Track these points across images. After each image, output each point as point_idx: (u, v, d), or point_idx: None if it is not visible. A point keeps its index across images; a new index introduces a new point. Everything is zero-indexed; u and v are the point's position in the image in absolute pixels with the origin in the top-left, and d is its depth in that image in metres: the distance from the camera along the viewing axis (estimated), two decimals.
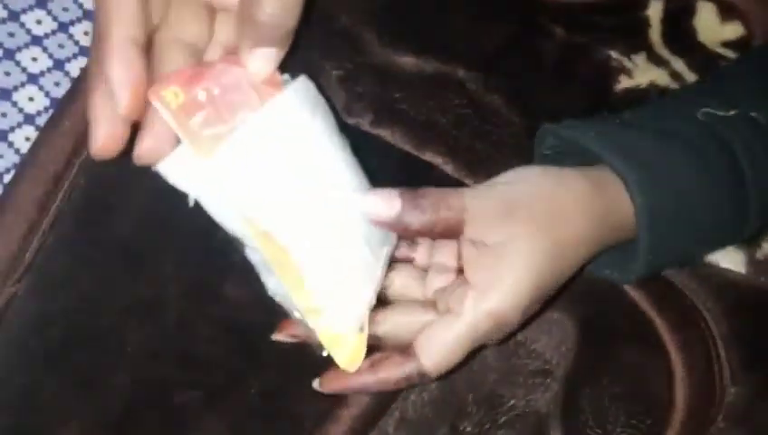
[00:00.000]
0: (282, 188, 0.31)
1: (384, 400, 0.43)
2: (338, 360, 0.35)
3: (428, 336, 0.34)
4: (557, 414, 0.43)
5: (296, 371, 0.40)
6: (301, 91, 0.31)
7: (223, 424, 0.41)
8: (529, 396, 0.43)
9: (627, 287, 0.43)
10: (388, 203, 0.33)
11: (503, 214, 0.34)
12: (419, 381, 0.35)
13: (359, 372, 0.35)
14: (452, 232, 0.34)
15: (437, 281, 0.37)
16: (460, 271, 0.36)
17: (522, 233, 0.33)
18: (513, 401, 0.43)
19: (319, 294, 0.33)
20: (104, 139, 0.29)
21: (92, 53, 0.29)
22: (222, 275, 0.42)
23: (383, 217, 0.33)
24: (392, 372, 0.35)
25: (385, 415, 0.43)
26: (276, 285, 0.34)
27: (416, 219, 0.33)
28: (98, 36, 0.29)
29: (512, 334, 0.37)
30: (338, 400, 0.42)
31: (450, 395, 0.43)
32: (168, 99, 0.29)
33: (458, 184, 0.45)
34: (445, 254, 0.38)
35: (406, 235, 0.36)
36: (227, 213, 0.31)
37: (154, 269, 0.42)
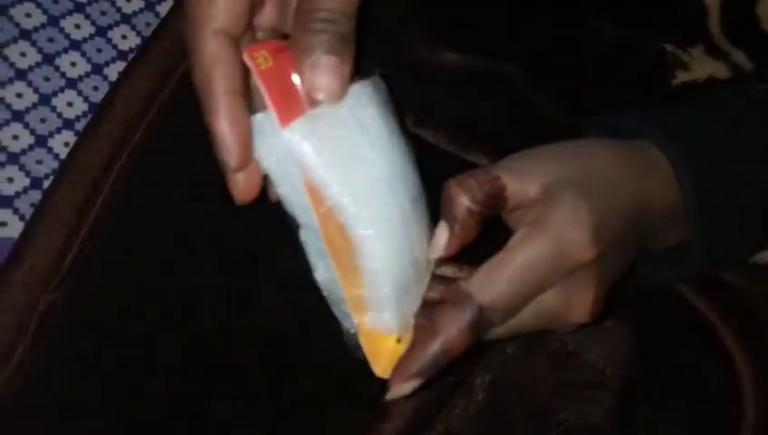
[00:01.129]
0: (349, 172, 0.31)
1: (428, 412, 0.41)
2: (373, 362, 0.33)
3: (478, 275, 0.31)
4: (611, 428, 0.41)
5: (332, 382, 0.40)
6: (375, 86, 0.32)
7: (257, 434, 0.40)
8: (581, 409, 0.42)
9: (686, 292, 0.41)
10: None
11: (541, 161, 0.32)
12: (483, 321, 0.30)
13: (417, 344, 0.31)
14: (496, 199, 0.32)
15: None
16: None
17: (565, 176, 0.32)
18: (563, 415, 0.42)
19: (371, 286, 0.32)
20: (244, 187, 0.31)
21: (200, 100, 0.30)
22: (257, 284, 0.42)
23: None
24: (447, 321, 0.30)
25: (429, 428, 0.42)
26: (325, 271, 0.33)
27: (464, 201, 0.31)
28: (200, 87, 0.30)
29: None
30: (379, 412, 0.40)
31: (498, 408, 0.42)
32: (259, 60, 0.30)
33: None
34: None
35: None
36: (293, 184, 0.31)
37: (189, 277, 0.42)
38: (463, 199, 0.31)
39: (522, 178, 0.32)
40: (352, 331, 0.33)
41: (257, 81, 0.30)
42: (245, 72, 0.31)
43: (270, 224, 0.43)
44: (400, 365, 0.31)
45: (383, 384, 0.42)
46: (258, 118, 0.31)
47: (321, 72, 0.29)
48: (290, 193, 0.31)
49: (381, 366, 0.33)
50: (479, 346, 0.41)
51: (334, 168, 0.31)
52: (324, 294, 0.34)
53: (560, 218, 0.30)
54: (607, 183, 0.32)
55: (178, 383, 0.40)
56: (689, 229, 0.35)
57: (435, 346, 0.30)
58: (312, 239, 0.32)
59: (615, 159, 0.33)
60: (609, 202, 0.32)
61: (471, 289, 0.31)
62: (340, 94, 0.30)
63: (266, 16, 0.33)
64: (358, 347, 0.33)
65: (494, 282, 0.30)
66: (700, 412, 0.40)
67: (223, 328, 0.41)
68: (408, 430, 0.41)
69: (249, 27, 0.31)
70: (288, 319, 0.41)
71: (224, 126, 0.29)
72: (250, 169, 0.31)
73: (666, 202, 0.34)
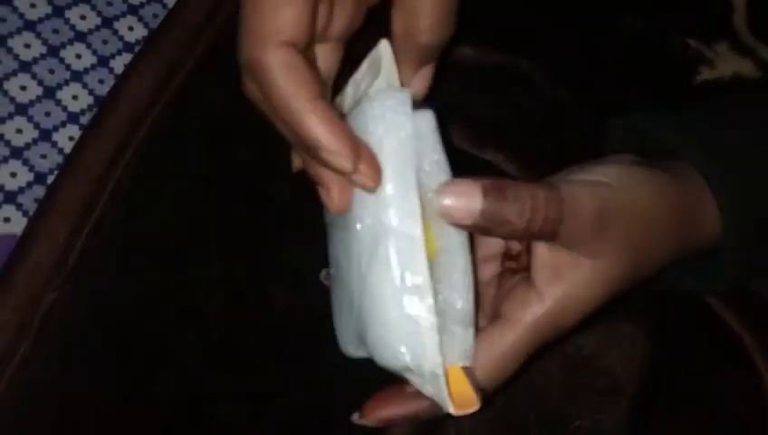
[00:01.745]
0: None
1: (438, 418, 0.40)
2: (452, 397, 0.29)
3: (481, 345, 0.31)
4: None
5: (344, 385, 0.39)
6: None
7: None
8: (596, 415, 0.41)
9: (711, 301, 0.40)
10: (465, 202, 0.28)
11: (597, 227, 0.30)
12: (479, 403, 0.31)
13: (405, 394, 0.31)
14: (540, 239, 0.30)
15: None
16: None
17: (611, 250, 0.30)
18: (578, 422, 0.41)
19: (446, 315, 0.29)
20: (340, 199, 0.29)
21: (272, 110, 0.29)
22: (268, 283, 0.41)
23: (459, 216, 0.28)
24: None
25: (440, 432, 0.41)
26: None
27: (498, 229, 0.28)
28: (275, 101, 0.28)
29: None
30: None
31: (511, 413, 0.41)
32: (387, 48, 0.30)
33: None
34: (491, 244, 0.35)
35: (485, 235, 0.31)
36: (407, 173, 0.28)
37: (198, 276, 0.41)
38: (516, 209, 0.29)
39: (575, 238, 0.29)
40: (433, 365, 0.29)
41: (391, 65, 0.29)
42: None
43: (279, 222, 0.42)
44: (387, 400, 0.32)
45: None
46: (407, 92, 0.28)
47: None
48: (400, 181, 0.28)
49: (459, 399, 0.30)
50: None
51: (441, 172, 0.29)
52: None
53: (569, 308, 0.30)
54: (651, 240, 0.31)
55: (187, 385, 0.40)
56: (724, 246, 0.33)
57: (420, 410, 0.31)
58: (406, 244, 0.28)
59: (666, 209, 0.31)
60: (644, 260, 0.31)
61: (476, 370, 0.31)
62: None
63: (336, 26, 0.31)
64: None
65: (493, 358, 0.31)
66: (720, 425, 0.39)
67: (233, 329, 0.40)
68: (418, 434, 0.40)
69: (312, 40, 0.30)
70: (300, 320, 0.40)
71: (324, 131, 0.27)
72: (342, 181, 0.29)
73: (705, 232, 0.33)
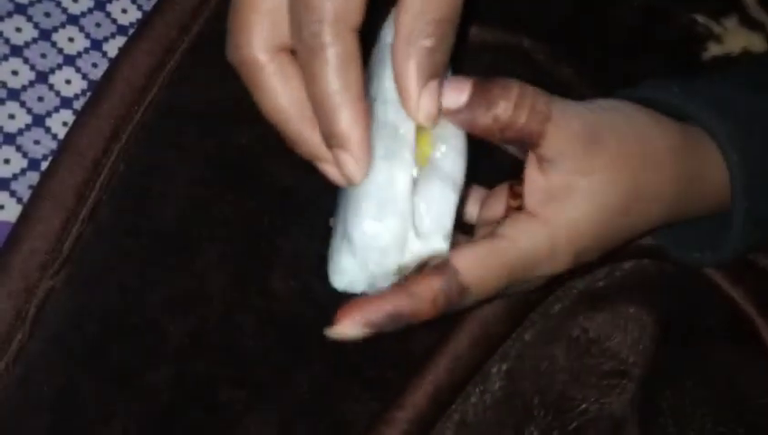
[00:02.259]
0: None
1: (442, 402, 0.40)
2: None
3: (471, 252, 0.29)
4: (634, 419, 0.40)
5: (347, 369, 0.39)
6: None
7: (269, 423, 0.40)
8: (603, 399, 0.40)
9: (720, 280, 0.39)
10: (456, 91, 0.29)
11: (588, 139, 0.29)
12: (458, 299, 0.29)
13: (385, 295, 0.29)
14: (524, 141, 0.29)
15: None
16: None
17: (604, 167, 0.29)
18: (584, 405, 0.41)
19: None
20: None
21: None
22: (268, 267, 0.40)
23: (447, 106, 0.28)
24: (426, 286, 0.28)
25: (443, 418, 0.41)
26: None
27: (484, 117, 0.28)
28: (325, 88, 0.27)
29: (557, 278, 0.32)
30: (392, 401, 0.39)
31: (515, 397, 0.41)
32: None
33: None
34: (495, 208, 0.34)
35: (472, 132, 0.30)
36: None
37: (196, 260, 0.40)
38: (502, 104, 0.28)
39: (564, 145, 0.28)
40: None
41: None
42: None
43: (279, 206, 0.42)
44: (358, 308, 0.28)
45: (397, 372, 0.41)
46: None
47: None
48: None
49: None
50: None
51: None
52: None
53: (561, 234, 0.29)
54: (646, 167, 0.30)
55: (187, 372, 0.39)
56: (733, 210, 0.32)
57: (402, 306, 0.28)
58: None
59: (662, 141, 0.31)
60: (640, 191, 0.30)
61: (459, 266, 0.29)
62: None
63: None
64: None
65: (483, 270, 0.29)
66: (729, 406, 0.38)
67: (232, 314, 0.40)
68: (422, 419, 0.40)
69: None
70: (300, 304, 0.40)
71: (360, 135, 0.27)
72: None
73: (708, 187, 0.32)
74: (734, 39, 0.43)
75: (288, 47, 0.28)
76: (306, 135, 0.28)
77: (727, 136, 0.31)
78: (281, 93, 0.28)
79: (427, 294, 0.28)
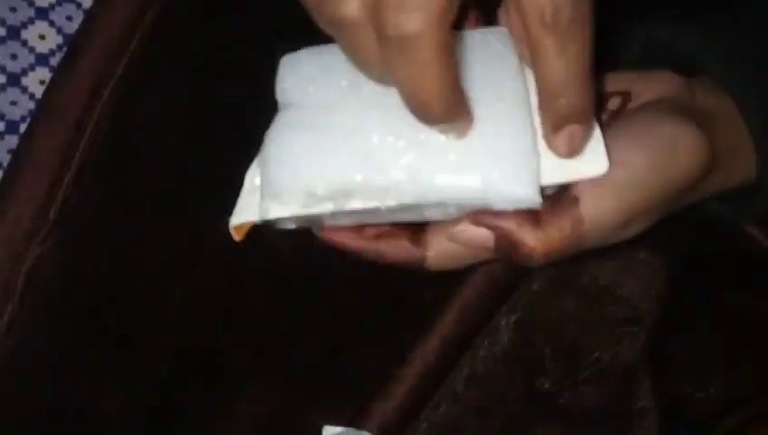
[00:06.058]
0: None
1: (451, 355, 0.40)
2: None
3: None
4: (646, 367, 0.40)
5: (352, 326, 0.39)
6: None
7: (274, 385, 0.40)
8: (614, 347, 0.40)
9: (750, 228, 0.38)
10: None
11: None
12: (416, 270, 0.30)
13: (361, 234, 0.30)
14: None
15: None
16: None
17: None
18: (597, 354, 0.41)
19: None
20: None
21: None
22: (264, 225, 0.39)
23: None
24: (392, 251, 0.30)
25: (453, 372, 0.41)
26: None
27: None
28: (415, 76, 0.24)
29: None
30: (400, 358, 0.39)
31: (525, 349, 0.41)
32: None
33: None
34: None
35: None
36: None
37: (192, 219, 0.40)
38: None
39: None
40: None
41: None
42: None
43: None
44: (344, 232, 0.30)
45: (403, 328, 0.40)
46: None
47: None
48: None
49: None
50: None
51: None
52: None
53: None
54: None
55: (187, 336, 0.39)
56: (758, 167, 0.31)
57: (368, 248, 0.30)
58: None
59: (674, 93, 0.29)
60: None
61: (429, 241, 0.29)
62: None
63: None
64: None
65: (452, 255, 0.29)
66: (741, 352, 0.38)
67: (230, 275, 0.39)
68: (431, 373, 0.40)
69: None
70: (303, 261, 0.39)
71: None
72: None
73: (733, 152, 0.30)
74: None
75: None
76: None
77: (754, 101, 0.30)
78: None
79: (388, 257, 0.30)
